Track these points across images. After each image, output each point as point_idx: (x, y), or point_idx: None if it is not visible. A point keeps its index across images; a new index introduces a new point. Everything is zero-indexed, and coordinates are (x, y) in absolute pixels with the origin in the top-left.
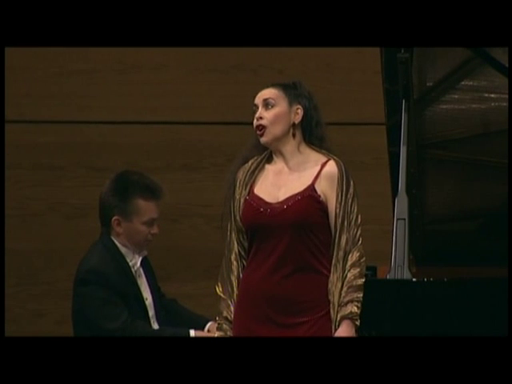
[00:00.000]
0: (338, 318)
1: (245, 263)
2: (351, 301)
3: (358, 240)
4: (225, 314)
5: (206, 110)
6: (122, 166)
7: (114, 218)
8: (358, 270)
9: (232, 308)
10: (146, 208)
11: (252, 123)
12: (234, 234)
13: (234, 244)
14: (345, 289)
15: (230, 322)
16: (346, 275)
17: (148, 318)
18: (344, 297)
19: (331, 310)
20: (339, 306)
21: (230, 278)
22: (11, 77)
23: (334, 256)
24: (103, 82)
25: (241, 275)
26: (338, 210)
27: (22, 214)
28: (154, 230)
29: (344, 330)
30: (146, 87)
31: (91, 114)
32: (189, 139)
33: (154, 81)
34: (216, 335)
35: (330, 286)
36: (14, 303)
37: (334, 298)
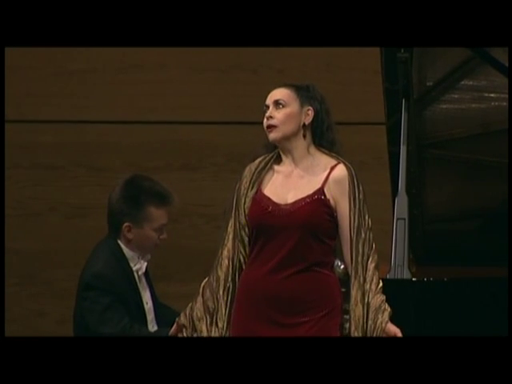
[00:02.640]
0: (386, 318)
1: (242, 260)
2: (385, 300)
3: (373, 243)
4: (190, 304)
5: (205, 109)
6: (122, 165)
7: (126, 224)
8: (378, 272)
9: (199, 297)
10: (158, 215)
11: (253, 123)
12: (232, 230)
13: (229, 240)
14: (377, 290)
15: (192, 317)
16: (373, 279)
17: (146, 321)
18: (379, 297)
19: (353, 314)
20: (377, 308)
21: (217, 273)
22: (11, 76)
23: (354, 261)
24: (103, 81)
25: (230, 272)
26: (352, 215)
27: (22, 214)
28: (163, 235)
29: (394, 327)
30: (145, 87)
31: (91, 114)
32: (188, 139)
33: (154, 80)
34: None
35: (352, 291)
36: (14, 303)
37: (358, 302)
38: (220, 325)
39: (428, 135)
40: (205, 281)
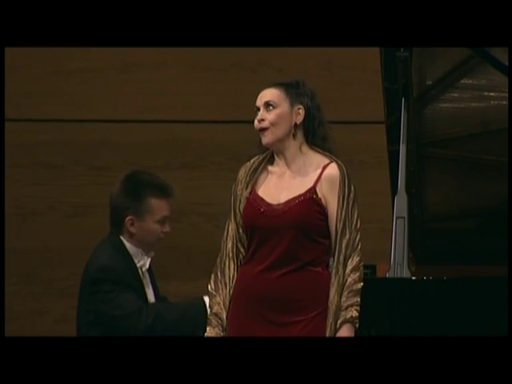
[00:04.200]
0: (340, 322)
1: (241, 259)
2: (351, 305)
3: (358, 244)
4: (214, 309)
5: (205, 108)
6: (122, 164)
7: (128, 218)
8: (358, 274)
9: (222, 304)
10: (159, 206)
11: (252, 122)
12: (232, 230)
13: (230, 240)
14: (345, 293)
15: (220, 318)
16: (347, 280)
17: None
18: (344, 301)
19: (328, 312)
20: (340, 310)
21: (223, 275)
22: (11, 75)
23: (336, 260)
24: (103, 80)
25: (235, 272)
26: (339, 214)
27: (22, 213)
28: (166, 228)
29: (345, 334)
30: (145, 86)
31: (91, 113)
32: (188, 138)
33: (154, 79)
34: (207, 331)
35: (331, 289)
36: (14, 302)
37: (334, 301)
38: (224, 325)
39: (427, 134)
40: (212, 284)
